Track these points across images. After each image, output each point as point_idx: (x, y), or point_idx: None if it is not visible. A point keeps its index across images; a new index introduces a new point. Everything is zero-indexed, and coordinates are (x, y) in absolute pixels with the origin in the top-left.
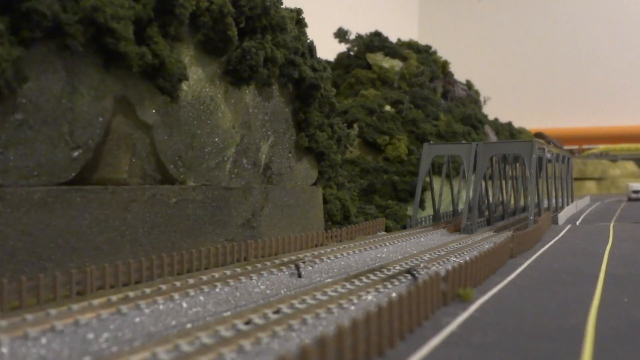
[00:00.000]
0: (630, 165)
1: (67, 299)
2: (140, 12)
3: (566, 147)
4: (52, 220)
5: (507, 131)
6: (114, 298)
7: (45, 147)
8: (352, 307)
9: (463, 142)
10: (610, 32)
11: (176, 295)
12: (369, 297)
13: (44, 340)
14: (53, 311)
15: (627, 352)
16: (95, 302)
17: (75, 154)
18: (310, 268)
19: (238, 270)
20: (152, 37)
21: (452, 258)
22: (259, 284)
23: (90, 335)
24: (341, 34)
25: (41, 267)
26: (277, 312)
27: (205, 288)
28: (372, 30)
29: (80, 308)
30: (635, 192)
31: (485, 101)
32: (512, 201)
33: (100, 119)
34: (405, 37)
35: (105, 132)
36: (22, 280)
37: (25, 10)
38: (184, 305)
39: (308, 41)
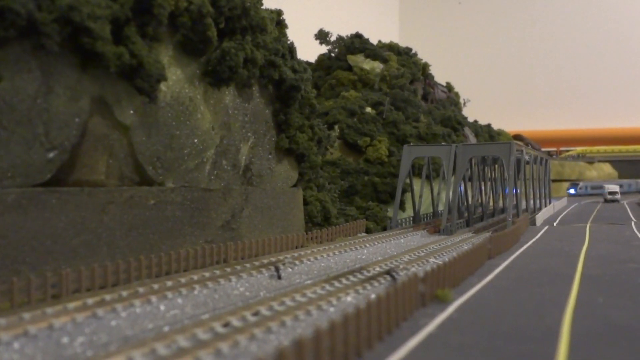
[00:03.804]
0: (607, 167)
1: (41, 302)
2: (117, 11)
3: (544, 149)
4: (26, 223)
5: (487, 133)
6: (90, 301)
7: (20, 148)
8: (332, 309)
9: (443, 143)
10: (589, 36)
11: (154, 298)
12: (349, 299)
13: (16, 345)
14: (27, 315)
15: (601, 351)
16: (71, 305)
17: (51, 155)
18: (290, 270)
19: (217, 272)
20: (129, 37)
21: (431, 259)
22: (238, 286)
23: (65, 340)
24: (322, 36)
25: (15, 270)
26: (255, 314)
27: (184, 290)
28: (353, 32)
29: (55, 312)
30: (611, 193)
31: (465, 103)
32: (491, 202)
33: (77, 119)
34: (385, 39)
35: (81, 133)
36: None
37: None
38: (162, 308)
39: (288, 42)
